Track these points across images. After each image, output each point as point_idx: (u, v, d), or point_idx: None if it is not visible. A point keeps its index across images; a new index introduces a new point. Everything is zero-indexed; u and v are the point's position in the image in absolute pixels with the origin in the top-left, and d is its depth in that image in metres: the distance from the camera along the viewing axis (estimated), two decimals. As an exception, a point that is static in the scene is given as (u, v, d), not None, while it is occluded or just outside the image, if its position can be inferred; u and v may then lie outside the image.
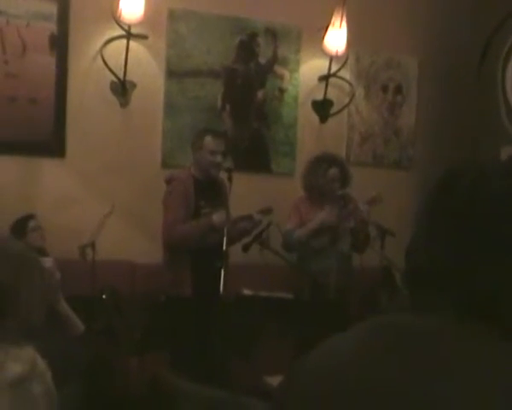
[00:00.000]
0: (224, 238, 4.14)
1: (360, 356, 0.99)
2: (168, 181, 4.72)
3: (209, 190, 4.62)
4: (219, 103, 5.66)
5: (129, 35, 5.21)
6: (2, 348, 1.87)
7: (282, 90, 5.84)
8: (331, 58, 5.76)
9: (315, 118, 5.94)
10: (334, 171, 4.88)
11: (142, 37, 5.30)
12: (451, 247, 0.97)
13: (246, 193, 5.24)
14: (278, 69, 5.83)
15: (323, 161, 4.94)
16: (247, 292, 4.55)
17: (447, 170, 1.05)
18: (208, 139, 4.63)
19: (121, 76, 5.26)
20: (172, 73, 5.51)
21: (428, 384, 0.90)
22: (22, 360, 1.87)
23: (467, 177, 1.00)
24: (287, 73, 5.85)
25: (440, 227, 1.00)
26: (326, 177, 4.87)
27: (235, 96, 5.71)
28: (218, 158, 4.57)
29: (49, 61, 5.13)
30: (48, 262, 2.38)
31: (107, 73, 5.23)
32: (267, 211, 4.69)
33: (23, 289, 1.97)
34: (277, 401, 1.10)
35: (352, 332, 1.05)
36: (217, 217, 4.43)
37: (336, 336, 1.09)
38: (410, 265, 1.04)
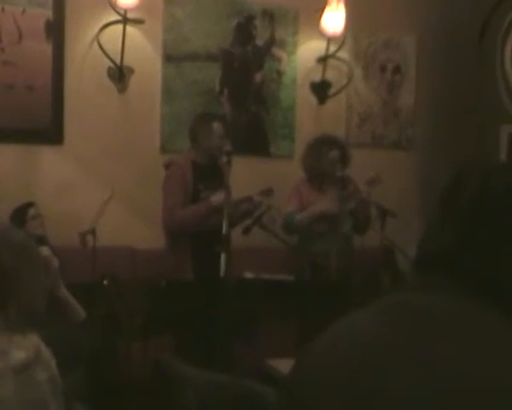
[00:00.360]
0: (224, 222, 4.13)
1: (382, 339, 0.99)
2: (167, 166, 4.71)
3: (208, 174, 4.61)
4: (217, 87, 5.64)
5: (125, 20, 5.18)
6: (6, 335, 1.88)
7: (280, 73, 5.82)
8: (329, 39, 5.74)
9: (313, 100, 5.92)
10: (335, 153, 4.88)
11: (138, 21, 5.28)
12: (462, 235, 1.03)
13: (245, 176, 5.23)
14: (276, 51, 5.80)
15: (324, 143, 4.92)
16: (248, 275, 4.55)
17: (459, 169, 1.11)
18: (217, 126, 4.64)
19: (118, 61, 5.24)
20: (170, 58, 5.48)
21: (454, 366, 0.92)
22: (26, 347, 1.87)
23: (477, 173, 1.07)
24: (284, 55, 5.82)
25: (452, 218, 1.06)
26: (327, 159, 4.86)
27: (233, 79, 5.69)
28: (225, 141, 4.56)
29: (45, 48, 5.11)
30: (45, 251, 2.37)
31: (104, 58, 5.21)
32: (268, 192, 4.69)
33: (25, 276, 1.97)
34: (290, 384, 1.09)
35: (368, 314, 1.05)
36: (215, 198, 4.42)
37: (350, 316, 1.10)
38: (422, 252, 1.09)
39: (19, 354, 1.85)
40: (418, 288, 1.04)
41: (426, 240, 1.09)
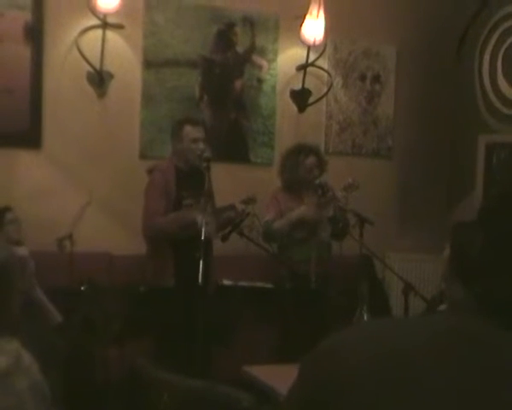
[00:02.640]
0: (203, 229, 4.11)
1: (424, 359, 0.97)
2: (149, 171, 4.69)
3: (191, 181, 4.59)
4: (197, 93, 5.63)
5: (105, 25, 5.17)
6: None
7: (260, 80, 5.82)
8: (309, 47, 5.75)
9: (293, 107, 5.93)
10: (311, 159, 4.91)
11: (118, 26, 5.26)
12: None
13: (224, 183, 5.22)
14: (256, 59, 5.81)
15: (300, 152, 4.95)
16: (226, 282, 4.54)
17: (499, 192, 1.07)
18: (188, 128, 4.62)
19: (98, 66, 5.22)
20: (149, 63, 5.47)
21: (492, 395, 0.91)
22: (7, 353, 1.84)
23: None
24: (265, 63, 5.83)
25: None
26: (304, 166, 4.88)
27: (213, 86, 5.69)
28: (201, 145, 4.56)
29: (24, 51, 5.07)
30: (22, 250, 2.35)
31: (84, 63, 5.19)
32: (251, 201, 4.68)
33: (15, 280, 1.95)
34: (310, 379, 1.06)
35: (409, 324, 1.04)
36: (201, 218, 4.28)
37: (377, 325, 1.09)
38: (484, 287, 1.02)
39: (0, 361, 1.82)
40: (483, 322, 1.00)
41: (480, 276, 1.02)
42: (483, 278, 1.01)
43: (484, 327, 0.98)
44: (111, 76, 5.31)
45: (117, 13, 5.14)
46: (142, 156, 5.41)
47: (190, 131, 4.61)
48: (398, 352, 0.98)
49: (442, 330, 1.00)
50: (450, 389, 0.94)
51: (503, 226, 1.01)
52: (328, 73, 5.98)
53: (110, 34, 5.26)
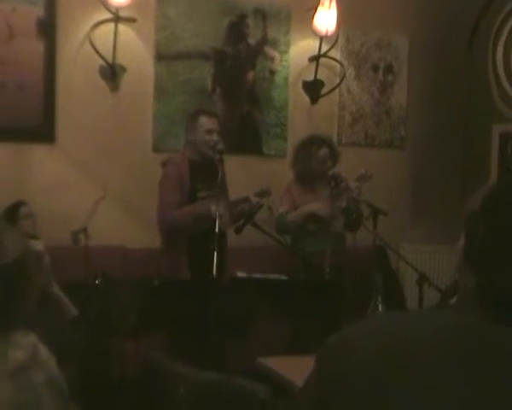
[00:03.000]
0: (217, 221, 4.12)
1: (432, 355, 0.97)
2: (163, 164, 4.69)
3: (205, 173, 4.58)
4: (210, 86, 5.63)
5: (117, 18, 5.18)
6: (4, 335, 1.85)
7: (272, 72, 5.82)
8: (321, 38, 5.73)
9: (306, 99, 5.92)
10: (324, 151, 4.90)
11: (130, 20, 5.27)
12: None
13: (238, 175, 5.22)
14: (268, 50, 5.80)
15: (312, 143, 4.94)
16: (241, 274, 4.54)
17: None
18: (203, 119, 4.61)
19: (110, 60, 5.22)
20: (162, 56, 5.47)
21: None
22: (24, 347, 1.85)
23: None
24: (277, 55, 5.82)
25: None
26: (317, 158, 4.88)
27: (226, 78, 5.68)
28: (215, 137, 4.55)
29: (36, 46, 5.09)
30: (38, 245, 2.36)
31: (96, 57, 5.19)
32: (265, 193, 4.67)
33: (30, 275, 1.95)
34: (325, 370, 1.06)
35: (418, 324, 1.03)
36: (214, 208, 4.32)
37: (390, 318, 1.09)
38: (497, 282, 1.02)
39: (16, 356, 1.83)
40: (487, 317, 1.00)
41: (496, 270, 1.02)
42: (485, 268, 1.02)
43: (487, 323, 0.98)
44: (123, 70, 5.32)
45: (129, 6, 5.15)
46: (156, 149, 5.42)
47: (205, 121, 4.60)
48: (405, 345, 0.99)
49: (449, 325, 1.00)
50: (452, 385, 0.94)
51: (504, 217, 1.01)
52: (341, 64, 5.96)
53: (122, 28, 5.26)
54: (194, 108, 5.25)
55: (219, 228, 4.11)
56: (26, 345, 1.86)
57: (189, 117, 4.74)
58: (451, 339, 0.98)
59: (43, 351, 1.90)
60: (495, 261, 1.01)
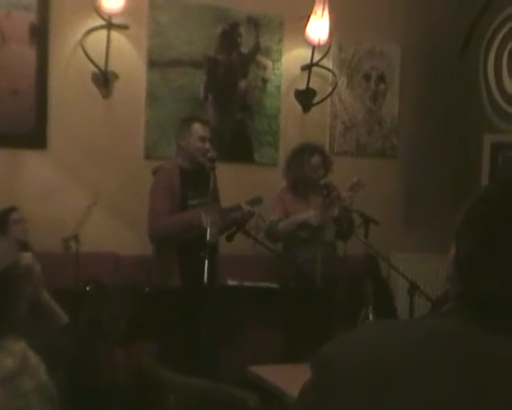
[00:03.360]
0: (208, 229, 4.12)
1: (417, 361, 0.97)
2: (154, 172, 4.69)
3: (196, 181, 4.58)
4: (202, 94, 5.63)
5: (110, 25, 5.18)
6: None
7: (264, 80, 5.83)
8: (313, 47, 5.75)
9: (298, 107, 5.93)
10: (316, 159, 4.91)
11: (123, 27, 5.27)
12: None
13: (229, 183, 5.22)
14: (261, 59, 5.81)
15: (305, 151, 4.95)
16: (232, 282, 4.54)
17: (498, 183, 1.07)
18: (197, 126, 4.61)
19: (103, 67, 5.22)
20: (154, 64, 5.47)
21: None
22: (14, 354, 1.84)
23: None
24: (269, 63, 5.83)
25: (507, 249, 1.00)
26: (309, 165, 4.88)
27: (218, 86, 5.69)
28: (207, 144, 4.55)
29: (29, 52, 5.08)
30: (26, 258, 2.35)
31: (89, 63, 5.19)
32: (256, 201, 4.67)
33: (21, 283, 1.95)
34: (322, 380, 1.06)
35: (404, 332, 1.03)
36: (205, 219, 4.30)
37: (380, 327, 1.09)
38: (479, 289, 1.02)
39: (6, 362, 1.82)
40: (476, 323, 1.00)
41: (478, 274, 1.03)
42: (471, 275, 1.02)
43: (475, 329, 0.99)
44: (116, 76, 5.32)
45: (122, 13, 5.15)
46: (148, 156, 5.42)
47: (199, 128, 4.60)
48: (384, 357, 0.99)
49: (438, 332, 1.01)
50: (443, 391, 0.95)
51: (487, 227, 1.02)
52: (333, 73, 5.98)
53: (115, 35, 5.27)
54: (187, 115, 5.26)
55: (210, 236, 4.10)
56: (16, 352, 1.85)
57: (182, 123, 4.74)
58: (441, 346, 0.98)
59: (33, 358, 1.89)
60: (480, 269, 1.02)
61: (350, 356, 1.03)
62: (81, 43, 5.19)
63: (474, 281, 1.02)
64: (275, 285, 4.62)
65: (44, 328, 2.48)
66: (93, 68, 5.22)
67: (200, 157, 4.54)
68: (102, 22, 5.17)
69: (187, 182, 4.58)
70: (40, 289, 2.51)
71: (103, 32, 5.20)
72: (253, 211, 4.60)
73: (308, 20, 5.63)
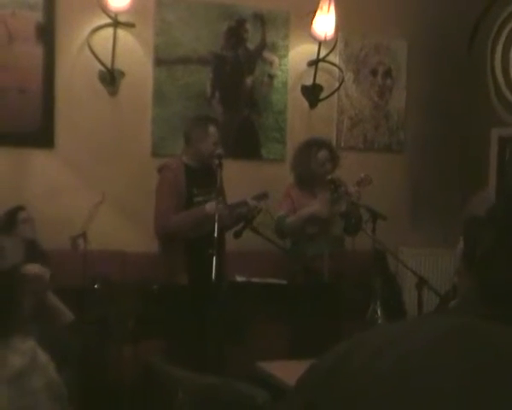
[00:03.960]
0: (216, 225, 4.12)
1: (430, 361, 0.96)
2: (160, 170, 4.69)
3: (202, 178, 4.59)
4: (209, 90, 5.63)
5: (116, 23, 5.18)
6: (4, 340, 1.85)
7: (271, 76, 5.82)
8: (320, 43, 5.74)
9: (305, 103, 5.92)
10: (323, 153, 4.89)
11: (129, 25, 5.28)
12: None
13: (236, 180, 5.22)
14: (267, 55, 5.80)
15: (312, 145, 4.94)
16: (240, 279, 4.55)
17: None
18: (212, 130, 4.59)
19: (109, 65, 5.23)
20: (161, 61, 5.48)
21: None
22: (23, 352, 1.85)
23: None
24: (276, 59, 5.82)
25: None
26: (317, 160, 4.87)
27: (225, 82, 5.69)
28: (219, 148, 4.54)
29: (35, 51, 5.09)
30: (35, 268, 2.37)
31: (95, 62, 5.20)
32: (263, 196, 4.67)
33: (27, 281, 1.96)
34: (308, 393, 1.05)
35: (413, 331, 1.02)
36: (210, 206, 4.37)
37: (383, 330, 1.06)
38: (491, 281, 1.01)
39: (15, 361, 1.83)
40: (490, 317, 0.98)
41: (492, 267, 1.01)
42: (489, 272, 1.02)
43: (483, 324, 0.98)
44: (122, 74, 5.32)
45: (128, 11, 5.16)
46: (155, 154, 5.43)
47: (214, 132, 4.59)
48: (405, 356, 0.98)
49: (449, 329, 1.00)
50: (449, 391, 0.94)
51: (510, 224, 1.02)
52: (340, 69, 5.97)
53: (121, 33, 5.27)
54: (193, 113, 5.26)
55: (220, 229, 4.11)
56: (25, 350, 1.86)
57: (196, 123, 4.70)
58: (452, 344, 0.97)
59: (43, 356, 1.90)
60: (500, 266, 1.01)
61: (360, 363, 1.01)
62: (87, 42, 5.20)
63: (491, 275, 1.01)
64: (283, 281, 4.63)
65: (50, 327, 2.49)
66: (100, 67, 5.23)
67: (210, 160, 4.55)
68: (109, 20, 5.18)
69: (192, 179, 4.58)
70: (47, 294, 2.52)
71: (110, 31, 5.21)
72: (260, 207, 4.60)
73: (314, 16, 5.62)
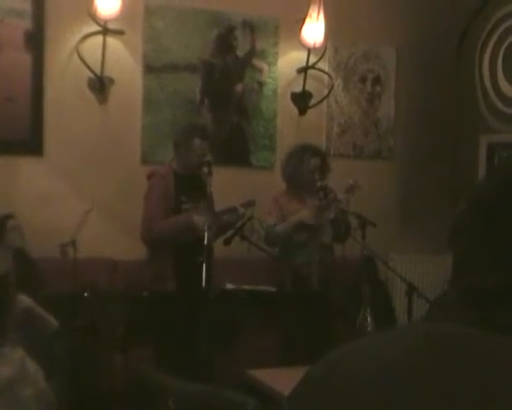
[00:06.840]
0: (205, 233, 4.12)
1: (414, 369, 0.95)
2: (149, 176, 4.69)
3: (190, 185, 4.59)
4: (198, 97, 5.64)
5: (105, 31, 5.18)
6: None
7: (260, 83, 5.83)
8: (309, 50, 5.75)
9: (294, 110, 5.93)
10: (315, 161, 4.88)
11: (118, 32, 5.28)
12: None
13: (226, 187, 5.22)
14: (256, 62, 5.81)
15: (305, 152, 4.93)
16: (229, 286, 4.54)
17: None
18: (197, 143, 4.58)
19: (98, 72, 5.23)
20: (150, 68, 5.48)
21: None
22: (11, 362, 1.84)
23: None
24: (265, 66, 5.83)
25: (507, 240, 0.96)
26: (308, 166, 4.86)
27: (214, 89, 5.69)
28: (206, 158, 4.53)
29: (24, 59, 5.08)
30: (25, 301, 2.36)
31: (85, 69, 5.20)
32: (250, 204, 4.67)
33: (13, 291, 1.96)
34: (298, 404, 1.04)
35: (398, 338, 1.02)
36: (197, 220, 4.34)
37: (372, 338, 1.05)
38: (477, 282, 0.98)
39: (3, 371, 1.82)
40: (474, 322, 0.95)
41: (474, 265, 0.99)
42: (470, 273, 1.02)
43: (469, 331, 0.98)
44: (112, 82, 5.32)
45: (117, 19, 5.16)
46: (144, 161, 5.42)
47: (199, 145, 4.58)
48: (395, 367, 0.98)
49: (437, 337, 1.00)
50: (436, 399, 0.94)
51: (495, 221, 1.01)
52: (329, 76, 5.99)
53: (110, 40, 5.27)
54: (183, 120, 5.27)
55: (208, 238, 4.10)
56: (14, 360, 1.85)
57: (182, 134, 4.70)
58: (441, 352, 0.97)
59: (31, 365, 1.89)
60: (481, 264, 1.01)
61: (349, 373, 1.01)
62: (77, 49, 5.20)
63: (473, 277, 1.01)
64: (272, 289, 4.63)
65: (35, 335, 2.48)
66: (89, 74, 5.23)
67: (196, 169, 4.55)
68: (98, 28, 5.18)
69: (181, 187, 4.58)
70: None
71: (99, 38, 5.20)
72: (247, 214, 4.60)
73: (303, 23, 5.64)
